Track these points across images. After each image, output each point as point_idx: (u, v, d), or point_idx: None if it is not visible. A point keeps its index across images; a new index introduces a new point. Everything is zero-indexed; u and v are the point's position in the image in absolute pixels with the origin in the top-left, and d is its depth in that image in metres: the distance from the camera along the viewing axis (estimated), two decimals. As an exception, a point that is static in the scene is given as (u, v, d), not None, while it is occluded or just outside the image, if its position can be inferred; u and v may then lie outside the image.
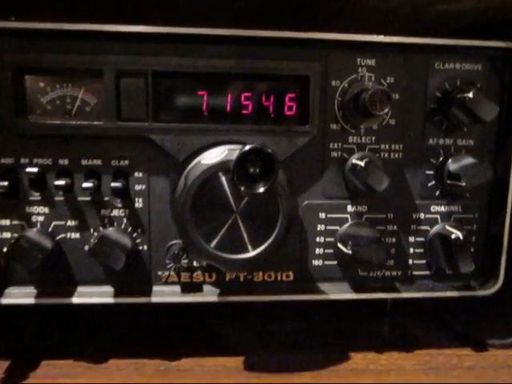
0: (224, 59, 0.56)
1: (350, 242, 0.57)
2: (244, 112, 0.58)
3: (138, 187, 0.58)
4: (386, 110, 0.54)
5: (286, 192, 0.52)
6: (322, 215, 0.61)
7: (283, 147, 0.57)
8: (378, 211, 0.62)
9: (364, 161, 0.56)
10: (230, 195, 0.51)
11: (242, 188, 0.49)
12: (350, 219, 0.61)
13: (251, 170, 0.50)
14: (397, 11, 0.79)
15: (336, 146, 0.60)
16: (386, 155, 0.60)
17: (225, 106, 0.57)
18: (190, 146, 0.56)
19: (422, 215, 0.62)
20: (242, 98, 0.57)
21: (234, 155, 0.49)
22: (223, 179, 0.51)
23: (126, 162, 0.57)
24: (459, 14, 0.79)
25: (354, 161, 0.58)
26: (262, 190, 0.49)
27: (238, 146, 0.53)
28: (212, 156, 0.53)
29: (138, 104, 0.55)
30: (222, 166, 0.51)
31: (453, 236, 0.59)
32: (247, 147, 0.49)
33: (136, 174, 0.58)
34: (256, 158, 0.50)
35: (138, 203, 0.58)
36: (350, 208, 0.61)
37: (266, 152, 0.49)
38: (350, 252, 0.57)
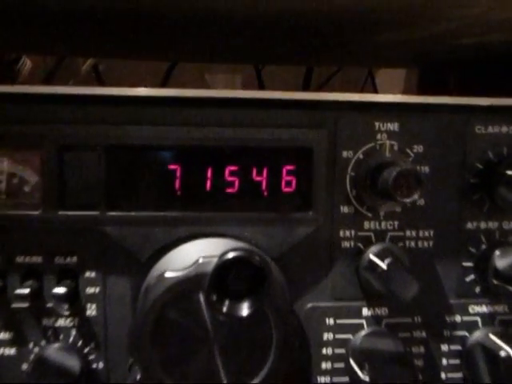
0: (202, 126, 0.43)
1: (366, 365, 0.44)
2: (228, 191, 0.44)
3: (89, 290, 0.45)
4: (416, 197, 0.41)
5: (281, 313, 0.38)
6: (330, 321, 0.47)
7: (279, 240, 0.44)
8: (402, 314, 0.48)
9: (386, 261, 0.42)
10: (204, 318, 0.38)
11: (222, 309, 0.36)
12: (365, 326, 0.47)
13: (234, 285, 0.37)
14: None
15: (348, 234, 0.46)
16: (413, 244, 0.47)
17: (203, 184, 0.44)
18: (155, 240, 0.43)
19: (458, 318, 0.49)
20: (227, 173, 0.44)
21: (211, 265, 0.36)
22: (197, 298, 0.38)
23: (74, 259, 0.44)
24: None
25: (372, 257, 0.44)
26: (246, 312, 0.36)
27: (218, 245, 0.40)
28: (181, 264, 0.39)
29: (88, 187, 0.42)
30: (193, 281, 0.37)
31: (502, 354, 0.45)
32: (229, 255, 0.36)
33: (87, 274, 0.44)
34: (240, 267, 0.37)
35: (91, 310, 0.45)
36: (365, 311, 0.47)
37: (253, 263, 0.36)
38: (366, 378, 0.43)
